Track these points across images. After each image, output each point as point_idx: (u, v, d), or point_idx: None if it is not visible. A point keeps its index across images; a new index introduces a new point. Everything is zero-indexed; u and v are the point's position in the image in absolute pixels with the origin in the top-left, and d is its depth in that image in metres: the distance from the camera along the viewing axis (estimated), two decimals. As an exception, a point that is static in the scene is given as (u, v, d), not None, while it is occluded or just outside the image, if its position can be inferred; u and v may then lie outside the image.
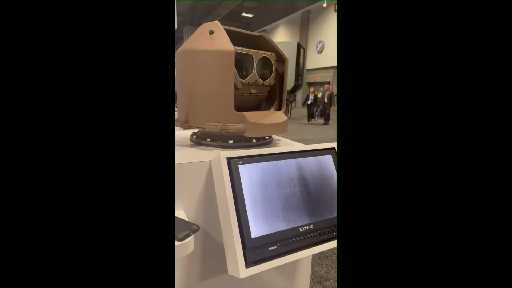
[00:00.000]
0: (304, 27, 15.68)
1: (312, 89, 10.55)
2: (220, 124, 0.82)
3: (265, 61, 0.90)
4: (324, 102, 9.85)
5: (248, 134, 0.85)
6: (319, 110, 10.14)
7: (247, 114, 0.85)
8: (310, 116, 10.29)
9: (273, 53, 0.92)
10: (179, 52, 0.86)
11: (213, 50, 0.79)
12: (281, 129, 0.92)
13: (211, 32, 0.83)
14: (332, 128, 8.84)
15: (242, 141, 0.89)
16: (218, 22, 0.84)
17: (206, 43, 0.81)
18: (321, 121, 10.19)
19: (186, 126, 0.89)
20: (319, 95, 9.96)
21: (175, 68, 0.89)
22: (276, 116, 0.93)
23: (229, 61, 0.80)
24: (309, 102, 10.11)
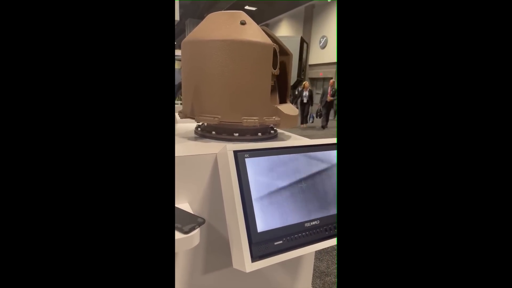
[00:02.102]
0: (308, 21, 15.52)
1: (306, 83, 8.01)
2: (257, 118, 0.81)
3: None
4: (326, 102, 7.76)
5: (282, 126, 0.88)
6: (318, 109, 8.08)
7: (280, 106, 0.87)
8: (304, 118, 8.03)
9: (276, 45, 0.92)
10: (192, 42, 0.81)
11: (250, 42, 0.76)
12: (296, 121, 0.95)
13: (243, 23, 0.79)
14: (331, 131, 7.63)
15: (247, 134, 0.88)
16: (243, 12, 0.82)
17: (237, 33, 0.77)
18: (315, 124, 8.31)
19: (213, 120, 0.81)
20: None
21: (183, 58, 0.87)
22: (293, 109, 0.96)
23: (268, 55, 0.79)
24: (304, 100, 7.77)
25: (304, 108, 7.97)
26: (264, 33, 0.81)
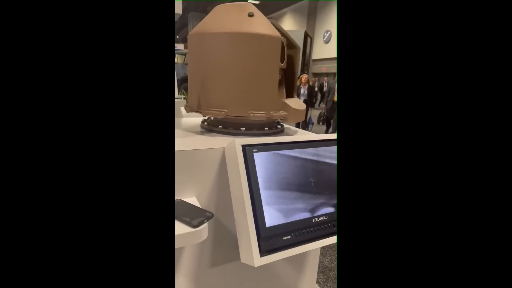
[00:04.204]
0: (312, 15, 15.32)
1: (304, 76, 5.65)
2: (264, 112, 0.81)
3: None
4: (333, 101, 5.54)
5: (289, 120, 0.87)
6: (321, 113, 5.95)
7: (287, 101, 0.86)
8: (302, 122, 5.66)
9: (284, 38, 0.90)
10: (199, 34, 0.80)
11: (258, 34, 0.75)
12: (302, 116, 0.94)
13: (251, 15, 0.78)
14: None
15: (254, 129, 0.87)
16: (251, 4, 0.81)
17: (245, 26, 0.75)
18: (316, 130, 4.33)
19: (219, 114, 0.79)
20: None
21: (190, 51, 0.85)
22: (299, 103, 0.95)
23: (276, 48, 0.78)
24: (301, 98, 5.48)
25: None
26: (272, 25, 0.79)
